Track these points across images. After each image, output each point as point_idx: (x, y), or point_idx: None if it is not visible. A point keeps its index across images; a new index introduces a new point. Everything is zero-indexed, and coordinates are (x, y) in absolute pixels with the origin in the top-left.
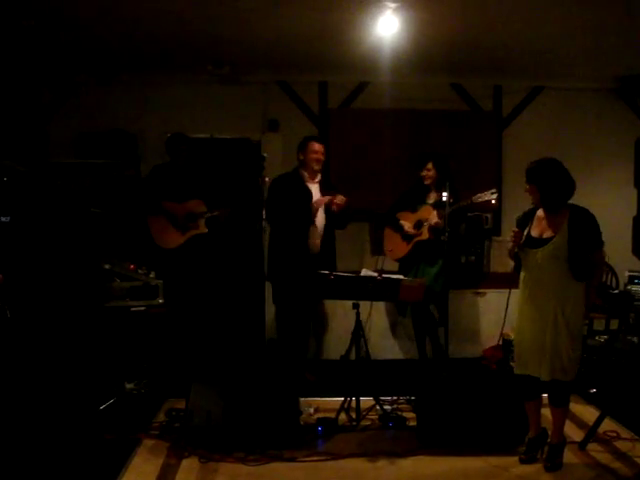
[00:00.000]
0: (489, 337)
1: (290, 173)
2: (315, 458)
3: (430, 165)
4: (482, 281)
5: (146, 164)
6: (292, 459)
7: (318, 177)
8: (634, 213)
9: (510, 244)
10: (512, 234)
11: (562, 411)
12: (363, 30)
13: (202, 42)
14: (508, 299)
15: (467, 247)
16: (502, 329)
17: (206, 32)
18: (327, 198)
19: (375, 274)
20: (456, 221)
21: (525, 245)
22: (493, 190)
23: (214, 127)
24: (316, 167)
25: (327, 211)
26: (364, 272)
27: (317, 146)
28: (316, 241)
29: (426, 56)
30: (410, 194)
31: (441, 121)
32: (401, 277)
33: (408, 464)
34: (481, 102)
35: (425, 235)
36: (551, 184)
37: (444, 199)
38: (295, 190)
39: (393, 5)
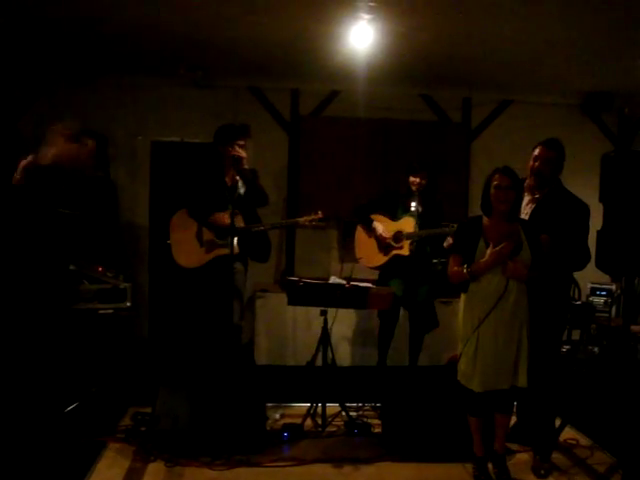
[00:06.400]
0: (455, 345)
1: None
2: (281, 463)
3: (425, 174)
4: (448, 290)
5: (115, 166)
6: (258, 464)
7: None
8: (599, 227)
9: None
10: (499, 250)
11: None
12: (337, 40)
13: (176, 46)
14: None
15: (435, 256)
16: None
17: (180, 36)
18: None
19: (344, 281)
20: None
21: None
22: None
23: (185, 131)
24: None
25: None
26: (332, 279)
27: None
28: None
29: (398, 67)
30: (390, 198)
31: (411, 131)
32: (369, 285)
33: (373, 470)
34: (450, 114)
35: (406, 251)
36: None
37: (412, 209)
38: None
39: (368, 16)
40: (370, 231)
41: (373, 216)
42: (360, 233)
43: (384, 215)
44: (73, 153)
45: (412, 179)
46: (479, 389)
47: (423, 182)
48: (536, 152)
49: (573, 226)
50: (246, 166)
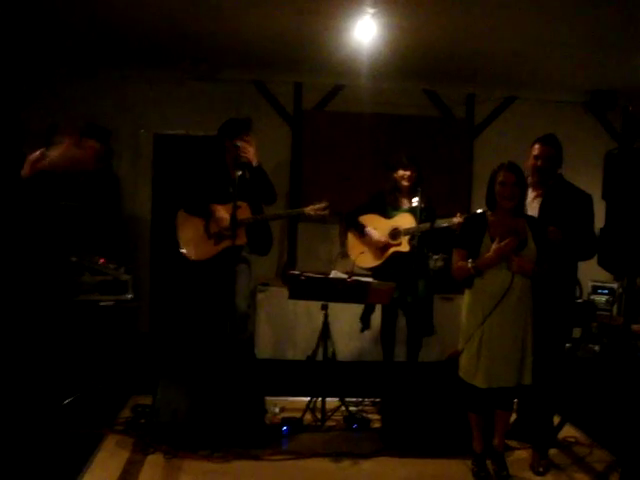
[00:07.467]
0: (456, 341)
1: None
2: (279, 457)
3: (414, 167)
4: (448, 286)
5: (118, 159)
6: (257, 457)
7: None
8: (602, 224)
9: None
10: (504, 245)
11: (510, 415)
12: (341, 34)
13: (181, 39)
14: None
15: (436, 252)
16: None
17: (185, 29)
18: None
19: (345, 276)
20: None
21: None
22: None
23: (189, 124)
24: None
25: None
26: (334, 274)
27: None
28: None
29: (402, 62)
30: (377, 199)
31: (414, 127)
32: (370, 280)
33: (371, 465)
34: (454, 110)
35: (405, 247)
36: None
37: (415, 204)
38: None
39: (372, 10)
40: (363, 236)
41: (364, 217)
42: (352, 237)
43: (376, 214)
44: (75, 159)
45: (402, 173)
46: (483, 385)
47: (413, 176)
48: (535, 151)
49: (580, 216)
50: (254, 163)
